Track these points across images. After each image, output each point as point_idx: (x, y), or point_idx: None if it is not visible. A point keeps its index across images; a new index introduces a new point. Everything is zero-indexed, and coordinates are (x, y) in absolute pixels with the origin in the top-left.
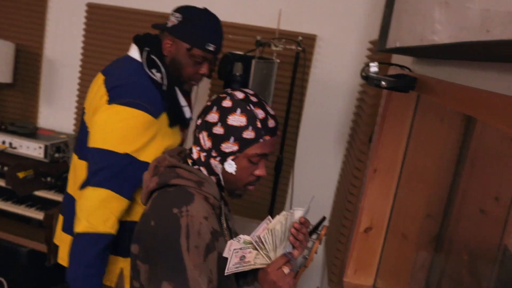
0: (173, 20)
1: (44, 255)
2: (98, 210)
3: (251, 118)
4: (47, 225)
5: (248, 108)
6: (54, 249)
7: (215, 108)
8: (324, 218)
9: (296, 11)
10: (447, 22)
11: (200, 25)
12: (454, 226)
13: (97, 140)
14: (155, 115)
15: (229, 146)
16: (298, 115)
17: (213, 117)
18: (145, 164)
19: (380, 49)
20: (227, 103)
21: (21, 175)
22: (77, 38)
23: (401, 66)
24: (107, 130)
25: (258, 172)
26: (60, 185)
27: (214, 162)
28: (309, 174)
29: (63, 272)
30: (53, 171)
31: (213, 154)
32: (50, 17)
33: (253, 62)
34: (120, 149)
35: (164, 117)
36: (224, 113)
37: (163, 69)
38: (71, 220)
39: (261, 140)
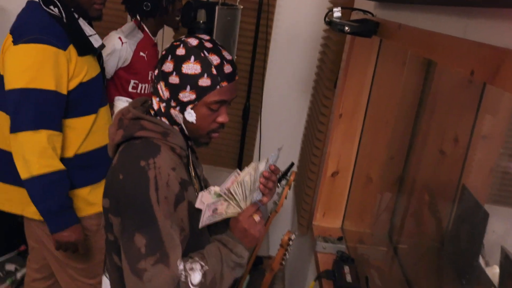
0: None
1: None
2: (47, 150)
3: (206, 65)
4: None
5: (202, 55)
6: None
7: (169, 57)
8: (292, 164)
9: None
10: None
11: None
12: (415, 167)
13: (13, 81)
14: (62, 47)
15: (186, 95)
16: (263, 62)
17: (168, 66)
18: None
19: None
20: (180, 51)
21: None
22: None
23: (364, 11)
24: (19, 69)
25: (220, 119)
26: None
27: (174, 112)
28: (277, 121)
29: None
30: None
31: (172, 104)
32: None
33: (217, 8)
34: (38, 84)
35: (73, 49)
36: (178, 61)
37: (58, 3)
38: (3, 170)
39: (218, 86)
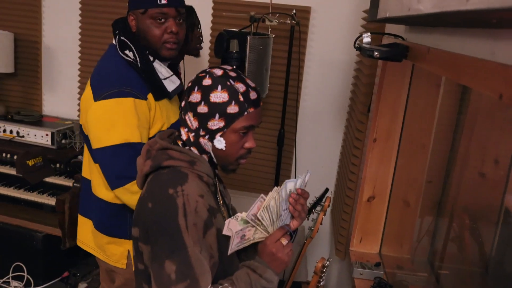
0: None
1: (58, 239)
2: None
3: (233, 93)
4: (59, 210)
5: (228, 83)
6: (68, 233)
7: (196, 88)
8: (327, 190)
9: None
10: None
11: None
12: (455, 190)
13: (102, 139)
14: (142, 97)
15: (215, 123)
16: (297, 88)
17: (195, 97)
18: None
19: (371, 19)
20: (207, 81)
21: (30, 163)
22: (74, 23)
23: (395, 35)
24: (105, 127)
25: (247, 144)
26: (69, 170)
27: (204, 141)
28: (312, 147)
29: (78, 255)
30: (61, 157)
31: (201, 133)
32: (46, 4)
33: (249, 38)
34: (127, 139)
35: (151, 95)
36: (206, 91)
37: (132, 47)
38: (87, 203)
39: (245, 112)
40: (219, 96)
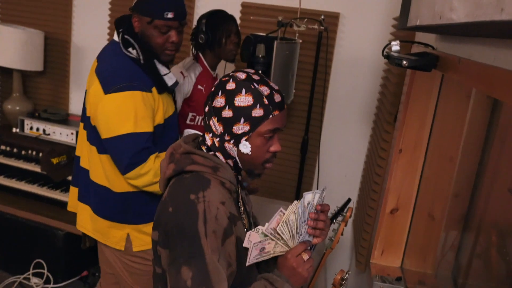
0: None
1: (79, 238)
2: (157, 171)
3: (257, 96)
4: None
5: (252, 86)
6: None
7: (220, 92)
8: (349, 200)
9: None
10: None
11: None
12: (482, 205)
13: (114, 128)
14: (147, 89)
15: (240, 127)
16: (323, 95)
17: (219, 101)
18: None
19: (401, 27)
20: (231, 85)
21: (55, 161)
22: (103, 24)
23: (425, 44)
24: (118, 118)
25: (273, 148)
26: None
27: (229, 146)
28: (335, 155)
29: (97, 255)
30: None
31: (226, 138)
32: (76, 3)
33: (275, 43)
34: (139, 128)
35: (155, 89)
36: (230, 95)
37: (136, 46)
38: (85, 190)
39: (270, 116)
40: (243, 99)
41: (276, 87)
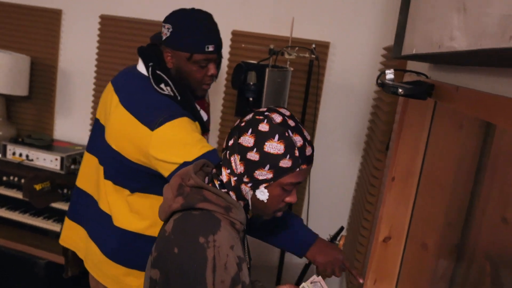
0: (165, 32)
1: (61, 267)
2: None
3: (289, 146)
4: None
5: (287, 134)
6: (72, 260)
7: (250, 131)
8: (342, 228)
9: (309, 18)
10: (466, 28)
11: (192, 29)
12: (475, 235)
13: (171, 163)
14: (190, 117)
15: (263, 174)
16: (313, 123)
17: (247, 140)
18: None
19: (395, 56)
20: (264, 127)
21: (38, 187)
22: (91, 49)
23: (418, 73)
24: (174, 150)
25: (289, 199)
26: None
27: (245, 188)
28: (325, 183)
29: (80, 284)
30: (69, 182)
31: (245, 179)
32: (64, 29)
33: (267, 71)
34: (200, 152)
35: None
36: (261, 138)
37: (170, 83)
38: (100, 234)
39: (297, 169)
40: (274, 147)
41: (309, 137)
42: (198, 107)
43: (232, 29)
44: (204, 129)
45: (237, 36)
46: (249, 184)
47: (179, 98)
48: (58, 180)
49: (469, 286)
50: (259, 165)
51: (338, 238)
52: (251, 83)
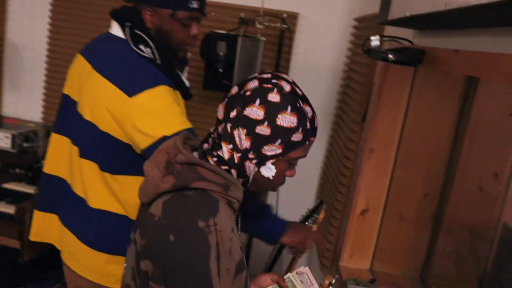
0: None
1: (16, 251)
2: None
3: (302, 118)
4: (19, 220)
5: (298, 105)
6: (28, 244)
7: (258, 101)
8: (321, 202)
9: None
10: None
11: None
12: (452, 205)
13: (148, 137)
14: (173, 87)
15: (272, 149)
16: None
17: (256, 112)
18: None
19: (381, 21)
20: (274, 97)
21: None
22: (43, 19)
23: (402, 39)
24: (153, 120)
25: (289, 173)
26: (31, 176)
27: (249, 165)
28: None
29: (37, 269)
30: (22, 161)
31: (250, 156)
32: None
33: (239, 40)
34: (179, 127)
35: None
36: (272, 110)
37: (151, 43)
38: (78, 222)
39: (307, 142)
40: (287, 119)
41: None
42: (180, 72)
43: None
44: (187, 96)
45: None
46: (254, 161)
47: (159, 61)
48: (10, 159)
49: (446, 257)
50: (269, 140)
51: (317, 211)
52: (221, 53)
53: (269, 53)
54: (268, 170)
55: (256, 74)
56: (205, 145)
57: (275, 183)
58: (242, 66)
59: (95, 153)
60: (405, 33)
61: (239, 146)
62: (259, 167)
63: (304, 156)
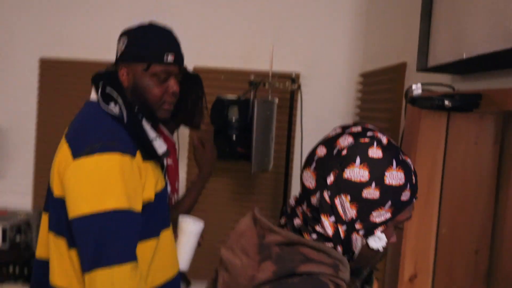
0: (120, 47)
1: None
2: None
3: (408, 173)
4: None
5: (401, 158)
6: None
7: (359, 160)
8: (372, 271)
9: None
10: None
11: (149, 37)
12: (506, 258)
13: (76, 206)
14: (130, 152)
15: (381, 214)
16: (301, 155)
17: (359, 173)
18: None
19: (421, 68)
20: (376, 152)
21: None
22: (31, 100)
23: (448, 86)
24: (83, 190)
25: (393, 239)
26: (27, 275)
27: (356, 237)
28: None
29: None
30: (15, 258)
31: (357, 226)
32: None
33: (256, 102)
34: (107, 205)
35: (139, 154)
36: (377, 167)
37: (120, 100)
38: None
39: (414, 199)
40: (395, 176)
41: None
42: (154, 136)
43: (193, 66)
44: (157, 160)
45: (207, 73)
46: (362, 232)
47: (125, 119)
48: (1, 257)
49: None
50: (379, 204)
51: (370, 282)
52: (234, 119)
53: (279, 116)
54: (377, 240)
55: (338, 129)
56: (297, 221)
57: (382, 255)
58: (260, 131)
59: (60, 225)
60: (438, 78)
61: (343, 217)
62: (366, 239)
63: (410, 217)
